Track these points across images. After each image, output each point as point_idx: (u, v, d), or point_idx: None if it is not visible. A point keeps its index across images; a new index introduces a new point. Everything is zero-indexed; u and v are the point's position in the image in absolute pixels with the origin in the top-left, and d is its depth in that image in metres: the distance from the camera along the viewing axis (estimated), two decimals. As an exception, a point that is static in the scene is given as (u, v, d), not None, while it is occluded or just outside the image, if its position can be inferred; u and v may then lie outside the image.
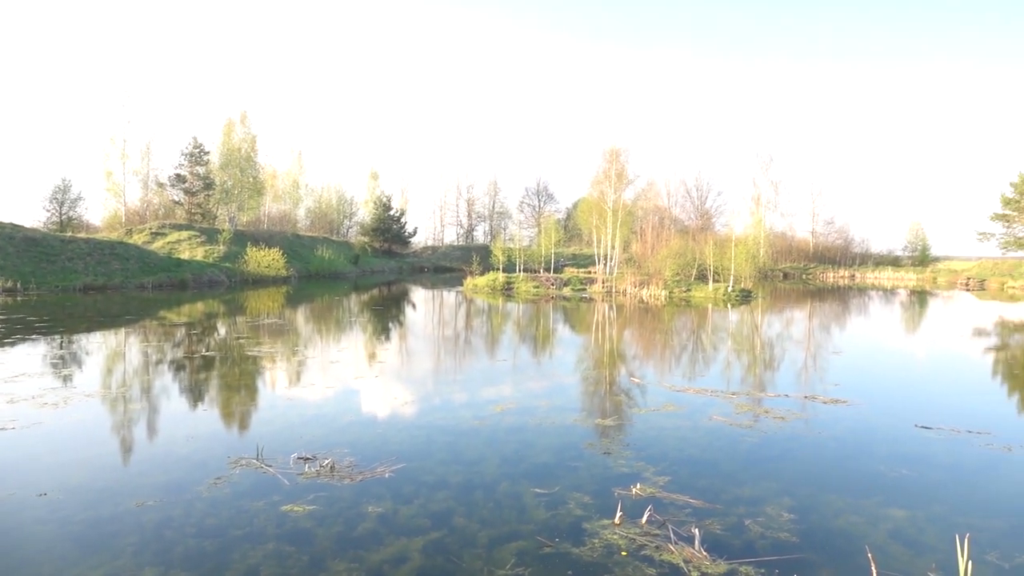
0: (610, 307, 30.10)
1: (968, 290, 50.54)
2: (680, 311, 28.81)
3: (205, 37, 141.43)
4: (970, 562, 4.97)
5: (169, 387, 11.89)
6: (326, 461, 7.38)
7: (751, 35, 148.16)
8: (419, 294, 40.35)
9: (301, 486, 6.74)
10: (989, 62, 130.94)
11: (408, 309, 30.42)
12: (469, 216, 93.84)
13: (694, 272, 40.68)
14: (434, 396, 11.40)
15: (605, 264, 44.65)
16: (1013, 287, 49.67)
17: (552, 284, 39.97)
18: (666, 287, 36.07)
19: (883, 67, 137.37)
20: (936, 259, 72.91)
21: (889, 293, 46.24)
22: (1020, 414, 11.31)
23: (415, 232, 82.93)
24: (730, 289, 35.22)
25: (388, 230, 75.22)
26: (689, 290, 36.23)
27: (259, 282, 42.74)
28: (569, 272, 50.00)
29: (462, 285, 41.73)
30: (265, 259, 44.71)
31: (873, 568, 4.97)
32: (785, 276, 65.36)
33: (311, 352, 15.93)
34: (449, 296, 37.48)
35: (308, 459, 7.54)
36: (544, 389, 12.10)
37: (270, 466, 7.29)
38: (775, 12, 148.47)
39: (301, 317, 25.36)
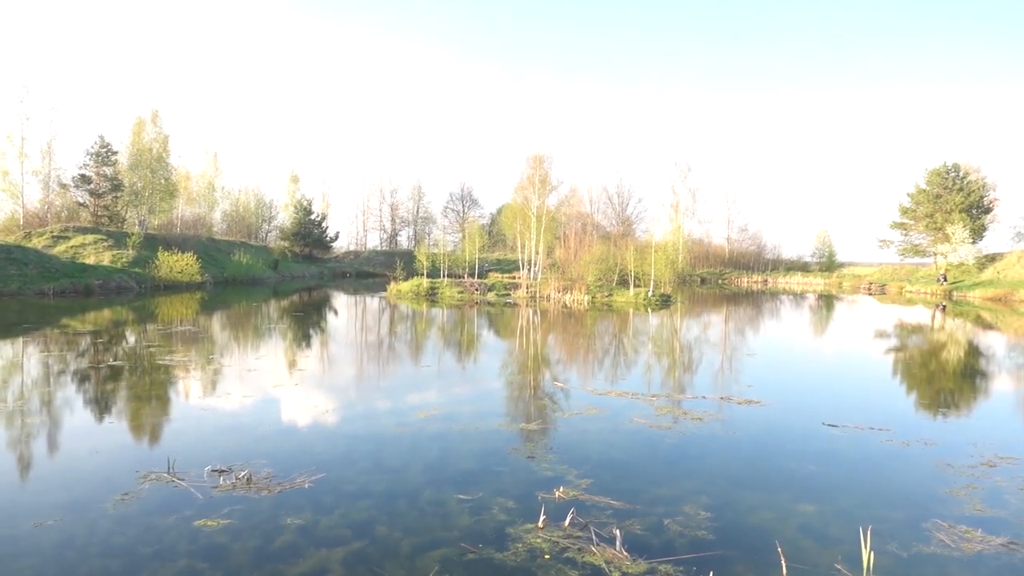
0: (534, 312, 30.34)
1: (870, 294, 53.41)
2: (602, 315, 29.30)
3: (114, 31, 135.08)
4: (872, 553, 5.24)
5: (72, 399, 11.25)
6: (242, 473, 7.14)
7: (670, 48, 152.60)
8: (341, 300, 39.61)
9: (215, 500, 6.49)
10: (890, 80, 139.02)
11: (330, 315, 29.81)
12: (393, 221, 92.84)
13: (616, 277, 41.45)
14: (356, 403, 11.20)
15: (529, 269, 45.00)
16: (910, 291, 52.78)
17: (476, 289, 39.99)
18: (589, 292, 36.63)
19: (794, 84, 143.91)
20: (841, 265, 76.70)
21: (799, 297, 48.39)
22: (917, 411, 12.00)
23: (337, 237, 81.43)
24: (650, 294, 36.07)
25: (309, 234, 73.56)
26: (611, 295, 36.89)
27: (172, 288, 41.02)
28: (494, 277, 50.17)
29: (385, 290, 41.23)
30: (178, 264, 42.97)
31: (783, 562, 5.17)
32: (702, 281, 67.46)
33: (227, 360, 15.39)
34: (372, 302, 36.96)
35: (223, 471, 7.27)
36: (469, 394, 12.07)
37: (182, 480, 7.00)
38: (692, 23, 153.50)
39: (217, 324, 24.48)
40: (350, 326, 25.34)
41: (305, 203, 75.26)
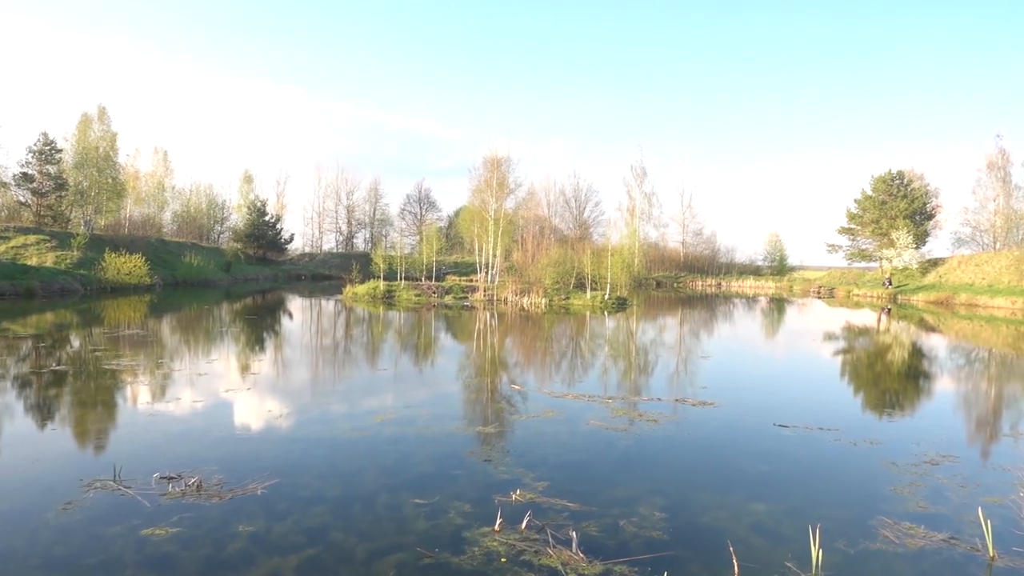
0: (492, 315, 30.34)
1: (820, 297, 54.79)
2: (559, 319, 29.45)
3: (59, 26, 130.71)
4: (821, 550, 5.37)
5: (12, 406, 10.84)
6: (192, 480, 6.97)
7: (629, 49, 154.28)
8: (296, 303, 39.04)
9: (164, 507, 6.32)
10: (842, 86, 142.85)
11: (284, 318, 29.34)
12: (349, 223, 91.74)
13: (573, 280, 41.69)
14: (311, 408, 11.04)
15: (487, 272, 44.98)
16: (857, 295, 54.32)
17: (434, 292, 39.81)
18: (546, 295, 36.77)
19: (749, 90, 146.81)
20: (792, 268, 78.46)
21: (751, 300, 49.38)
22: (864, 412, 12.36)
23: (292, 238, 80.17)
24: (607, 297, 36.38)
25: (263, 236, 72.26)
26: (568, 298, 37.11)
27: (119, 291, 39.87)
28: (451, 280, 49.99)
29: (341, 293, 40.74)
30: (126, 266, 41.77)
31: (735, 562, 5.26)
32: (658, 284, 68.27)
33: (177, 364, 15.02)
34: (328, 304, 36.50)
35: (172, 478, 7.08)
36: (425, 398, 12.01)
37: (128, 488, 6.80)
38: (651, 21, 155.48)
39: (166, 327, 23.88)
40: (305, 329, 24.98)
41: (259, 204, 73.94)
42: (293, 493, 6.82)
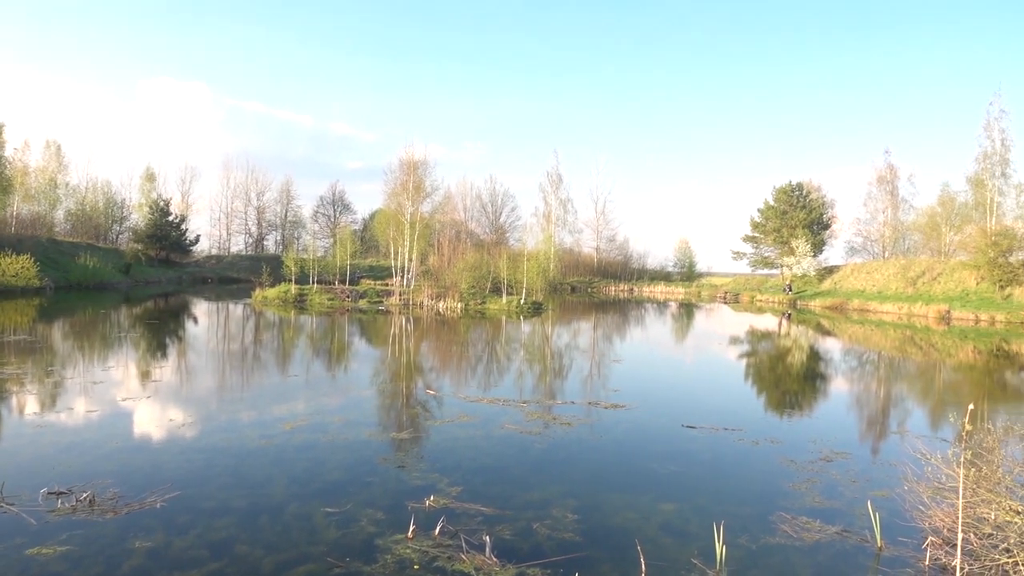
0: (407, 319, 30.06)
1: (726, 303, 56.99)
2: (475, 323, 29.47)
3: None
4: (724, 546, 5.57)
5: None
6: (84, 494, 6.56)
7: (546, 54, 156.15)
8: (202, 306, 37.49)
9: (52, 525, 5.93)
10: (748, 97, 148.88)
11: (188, 323, 28.12)
12: (259, 224, 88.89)
13: (489, 285, 41.84)
14: (217, 416, 10.61)
15: (403, 276, 44.56)
16: (761, 300, 56.80)
17: (348, 296, 39.11)
18: (462, 299, 36.75)
19: (662, 98, 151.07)
20: (701, 275, 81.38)
21: (662, 305, 50.88)
22: (766, 412, 12.93)
23: (197, 240, 76.91)
24: (523, 302, 36.68)
25: (166, 237, 69.03)
26: (484, 303, 37.21)
27: (5, 293, 37.23)
28: (366, 284, 49.21)
29: (250, 297, 39.42)
30: (12, 267, 39.06)
31: (642, 560, 5.39)
32: (573, 289, 69.36)
33: (70, 372, 14.14)
34: (236, 308, 35.23)
35: (62, 493, 6.65)
36: (338, 404, 11.76)
37: (12, 505, 6.34)
38: (562, 27, 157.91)
39: (58, 333, 22.46)
40: (211, 334, 24.01)
41: (162, 203, 70.56)
42: (196, 505, 6.53)
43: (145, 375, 14.13)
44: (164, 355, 17.85)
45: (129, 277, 55.94)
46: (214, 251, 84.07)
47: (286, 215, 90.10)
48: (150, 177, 76.77)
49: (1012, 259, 39.04)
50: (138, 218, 73.41)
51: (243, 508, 6.50)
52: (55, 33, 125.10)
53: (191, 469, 7.70)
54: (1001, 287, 39.13)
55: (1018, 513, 5.45)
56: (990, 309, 37.68)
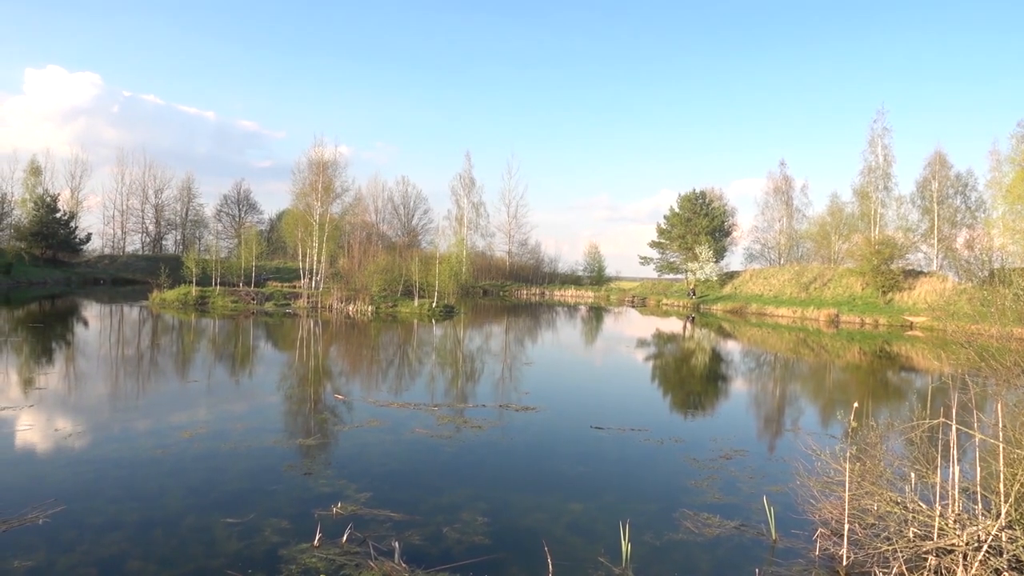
0: (315, 323, 29.35)
1: (633, 306, 58.50)
2: (386, 326, 29.10)
3: None
4: (630, 544, 5.71)
5: None
6: (-44, 512, 6.07)
7: (457, 56, 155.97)
8: (93, 309, 35.36)
9: (-83, 546, 5.45)
10: (656, 103, 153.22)
11: (78, 326, 26.45)
12: (158, 223, 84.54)
13: (400, 288, 41.39)
14: (108, 425, 10.03)
15: (311, 279, 43.49)
16: (667, 304, 58.64)
17: (253, 299, 37.81)
18: (373, 302, 36.23)
19: (569, 101, 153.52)
20: (610, 279, 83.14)
21: (572, 308, 51.72)
22: (671, 412, 13.37)
23: (89, 238, 72.39)
24: (435, 305, 36.50)
25: (53, 235, 64.63)
26: (395, 305, 36.79)
27: None
28: (272, 286, 47.71)
29: (147, 299, 37.47)
30: None
31: (549, 560, 5.45)
32: (485, 293, 69.52)
33: (-60, 380, 13.04)
34: (131, 312, 33.42)
35: (-71, 512, 6.12)
36: (241, 411, 11.34)
37: None
38: (473, 25, 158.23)
39: (-73, 337, 20.67)
40: (103, 338, 22.67)
41: (48, 199, 66.05)
42: (83, 520, 6.14)
43: (28, 382, 13.19)
44: (50, 361, 16.71)
45: (10, 277, 52.16)
46: (107, 250, 79.32)
47: (187, 214, 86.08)
48: (35, 171, 71.66)
49: (893, 266, 41.89)
50: (21, 214, 68.38)
51: (135, 522, 6.17)
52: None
53: (78, 482, 7.24)
54: (883, 292, 41.91)
55: (897, 504, 5.84)
56: (874, 313, 40.30)
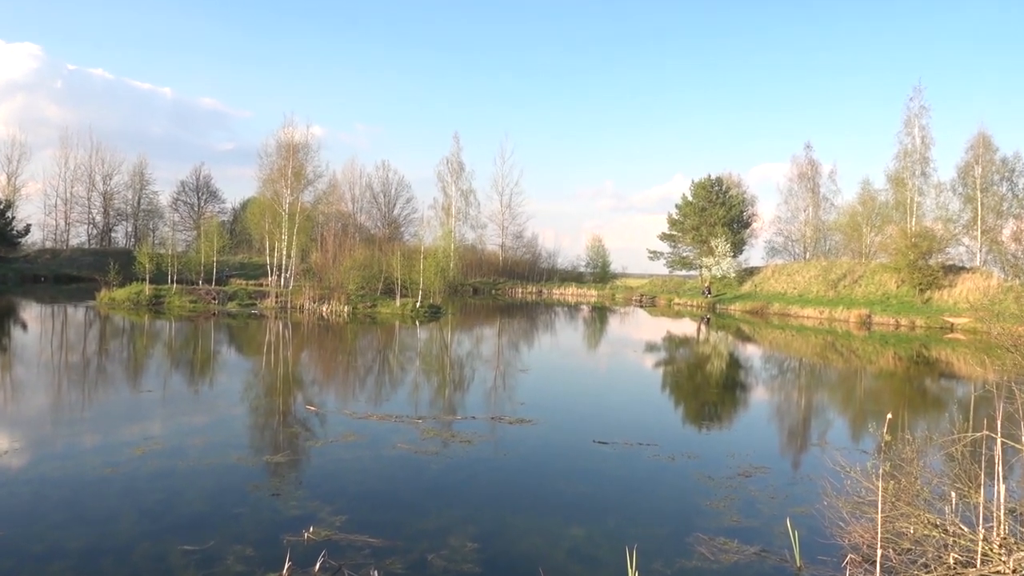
0: (285, 325, 29.33)
1: (642, 306, 58.65)
2: (365, 329, 29.09)
3: None
4: (637, 572, 5.72)
5: None
6: None
7: (440, 26, 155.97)
8: (32, 310, 35.28)
9: None
10: (662, 88, 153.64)
11: (15, 329, 26.37)
12: (106, 213, 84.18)
13: (381, 286, 41.39)
14: (50, 440, 10.01)
15: (280, 275, 43.43)
16: (679, 303, 58.82)
17: (215, 298, 37.74)
18: (349, 302, 36.22)
19: (572, 90, 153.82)
20: (615, 275, 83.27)
21: (573, 309, 51.81)
22: (683, 425, 13.40)
23: (27, 230, 72.08)
24: (419, 305, 36.49)
25: (-13, 227, 64.50)
26: (375, 305, 36.78)
27: None
28: (236, 284, 47.65)
29: (95, 299, 37.35)
30: None
31: (552, 590, 5.47)
32: (475, 291, 69.54)
33: None
34: (76, 313, 33.34)
35: None
36: (201, 424, 11.33)
37: None
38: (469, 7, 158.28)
39: None
40: (44, 343, 22.60)
41: (-18, 186, 65.87)
42: (21, 548, 6.12)
43: (-40, 392, 13.15)
44: (-15, 368, 16.65)
45: (-61, 274, 51.91)
46: (49, 244, 79.02)
47: (139, 202, 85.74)
48: (-33, 156, 71.42)
49: (932, 262, 42.00)
50: (-50, 204, 68.15)
51: (81, 549, 6.15)
52: None
53: (15, 505, 7.22)
54: (921, 290, 42.09)
55: (936, 527, 5.86)
56: (910, 313, 40.48)
